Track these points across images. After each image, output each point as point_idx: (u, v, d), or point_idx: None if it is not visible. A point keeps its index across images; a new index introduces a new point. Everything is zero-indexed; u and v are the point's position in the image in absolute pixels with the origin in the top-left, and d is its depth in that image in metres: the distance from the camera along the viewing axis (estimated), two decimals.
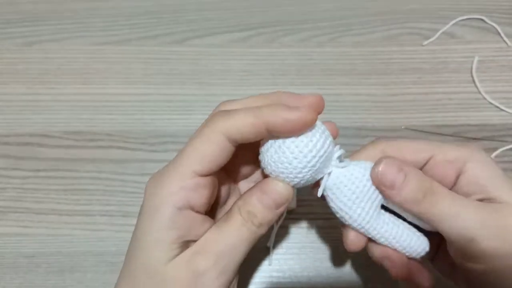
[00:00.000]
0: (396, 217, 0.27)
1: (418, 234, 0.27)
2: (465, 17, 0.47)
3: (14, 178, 0.41)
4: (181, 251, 0.24)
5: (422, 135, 0.42)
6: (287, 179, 0.25)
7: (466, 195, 0.26)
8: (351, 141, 0.42)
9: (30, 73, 0.45)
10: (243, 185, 0.31)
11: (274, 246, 0.38)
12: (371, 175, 0.26)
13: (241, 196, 0.26)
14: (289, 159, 0.24)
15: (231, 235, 0.24)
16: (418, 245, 0.27)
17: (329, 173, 0.26)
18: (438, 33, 0.46)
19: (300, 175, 0.25)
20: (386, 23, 0.47)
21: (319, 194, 0.26)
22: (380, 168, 0.25)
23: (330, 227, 0.39)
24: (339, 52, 0.46)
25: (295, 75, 0.45)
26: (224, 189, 0.29)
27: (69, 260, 0.38)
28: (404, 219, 0.28)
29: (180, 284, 0.23)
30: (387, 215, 0.27)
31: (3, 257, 0.38)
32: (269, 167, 0.25)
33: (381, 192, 0.26)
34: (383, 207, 0.27)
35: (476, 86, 0.44)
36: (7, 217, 0.40)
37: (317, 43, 0.46)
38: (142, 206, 0.25)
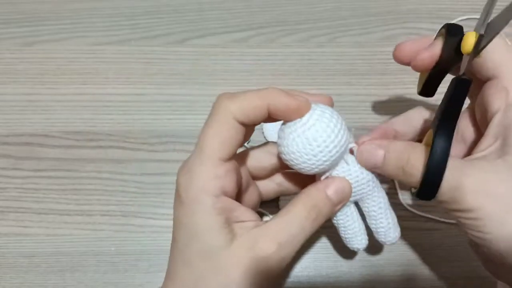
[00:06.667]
0: (358, 213, 0.31)
1: (364, 233, 0.31)
2: (464, 17, 0.47)
3: (14, 178, 0.41)
4: (233, 236, 0.25)
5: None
6: (307, 168, 0.26)
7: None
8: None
9: (30, 73, 0.45)
10: (263, 183, 0.32)
11: None
12: (357, 158, 0.28)
13: (304, 190, 0.28)
14: (315, 152, 0.25)
15: (294, 226, 0.26)
16: (357, 242, 0.31)
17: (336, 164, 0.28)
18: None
19: (320, 166, 0.26)
20: (386, 23, 0.47)
21: (322, 178, 0.28)
22: (361, 153, 0.28)
23: (330, 227, 0.39)
24: (339, 52, 0.46)
25: (295, 75, 0.45)
26: (243, 179, 0.29)
27: (69, 260, 0.38)
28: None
29: (242, 269, 0.24)
30: (353, 209, 0.30)
31: (3, 257, 0.38)
32: (292, 155, 0.26)
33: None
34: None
35: None
36: (7, 217, 0.40)
37: (317, 43, 0.46)
38: (178, 199, 0.26)
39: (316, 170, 0.27)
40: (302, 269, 0.38)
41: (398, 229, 0.31)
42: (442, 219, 0.39)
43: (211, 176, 0.25)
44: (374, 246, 0.38)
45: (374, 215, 0.30)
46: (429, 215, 0.39)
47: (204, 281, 0.25)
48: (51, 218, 0.40)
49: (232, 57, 0.45)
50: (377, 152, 0.27)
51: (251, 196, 0.31)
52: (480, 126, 0.29)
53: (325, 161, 0.26)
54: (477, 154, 0.26)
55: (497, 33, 0.24)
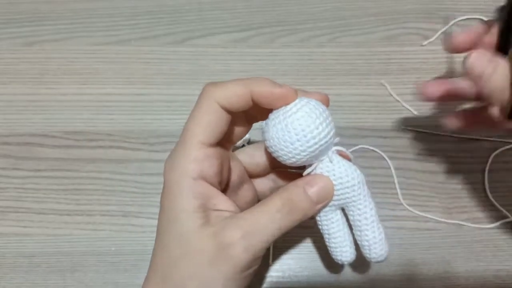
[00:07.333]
0: (345, 223, 0.29)
1: (350, 245, 0.29)
2: (465, 17, 0.47)
3: (14, 178, 0.41)
4: (206, 221, 0.25)
5: (422, 135, 0.42)
6: (284, 157, 0.26)
7: None
8: (351, 141, 0.42)
9: (30, 73, 0.45)
10: (260, 181, 0.32)
11: (274, 246, 0.38)
12: (463, 66, 0.27)
13: (284, 186, 0.27)
14: (292, 140, 0.25)
15: (264, 217, 0.25)
16: (341, 253, 0.29)
17: (320, 161, 0.27)
18: (438, 33, 0.46)
19: (297, 157, 0.26)
20: (386, 23, 0.47)
21: (304, 174, 0.28)
22: (470, 59, 0.27)
23: None
24: (339, 52, 0.46)
25: (295, 75, 0.45)
26: (235, 174, 0.29)
27: (69, 260, 0.38)
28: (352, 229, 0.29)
29: (207, 254, 0.24)
30: (339, 216, 0.29)
31: (3, 257, 0.38)
32: (271, 140, 0.26)
33: (473, 82, 0.27)
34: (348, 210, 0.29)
35: None
36: (8, 217, 0.40)
37: (317, 43, 0.46)
38: (163, 185, 0.26)
39: (294, 160, 0.26)
40: (302, 269, 0.38)
41: (386, 248, 0.29)
42: (442, 219, 0.39)
43: (190, 158, 0.25)
44: None
45: (359, 225, 0.28)
46: (429, 215, 0.39)
47: (178, 268, 0.25)
48: (51, 218, 0.40)
49: (232, 57, 0.45)
50: (490, 64, 0.26)
51: (245, 192, 0.31)
52: None
53: (302, 151, 0.26)
54: None
55: None
